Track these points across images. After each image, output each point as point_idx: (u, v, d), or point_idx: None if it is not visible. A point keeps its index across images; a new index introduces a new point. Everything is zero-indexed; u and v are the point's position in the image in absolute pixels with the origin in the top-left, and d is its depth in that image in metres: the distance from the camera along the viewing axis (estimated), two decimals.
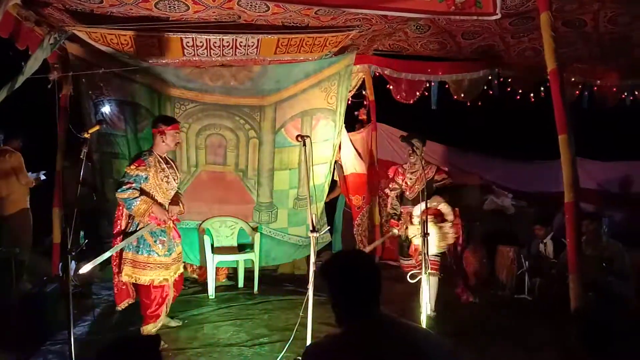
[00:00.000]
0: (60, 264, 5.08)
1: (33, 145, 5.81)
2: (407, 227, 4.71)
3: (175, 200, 4.24)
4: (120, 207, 4.10)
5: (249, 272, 5.80)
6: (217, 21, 4.61)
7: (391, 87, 6.38)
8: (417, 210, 4.48)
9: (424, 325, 3.76)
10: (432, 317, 4.16)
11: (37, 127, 5.67)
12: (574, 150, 3.32)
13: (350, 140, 6.42)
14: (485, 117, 7.60)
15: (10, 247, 4.94)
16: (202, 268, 5.77)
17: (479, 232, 6.23)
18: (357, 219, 6.43)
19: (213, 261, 5.40)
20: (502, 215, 6.42)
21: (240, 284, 5.79)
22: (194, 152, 5.49)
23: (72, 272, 3.08)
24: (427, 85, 6.38)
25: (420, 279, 4.13)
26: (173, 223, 4.24)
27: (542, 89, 6.37)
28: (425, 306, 3.89)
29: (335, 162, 6.21)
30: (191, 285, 5.76)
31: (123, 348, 1.67)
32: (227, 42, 4.91)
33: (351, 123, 6.81)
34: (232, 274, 6.10)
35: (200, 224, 5.61)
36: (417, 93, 6.36)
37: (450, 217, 4.57)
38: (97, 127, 3.60)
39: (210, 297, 5.32)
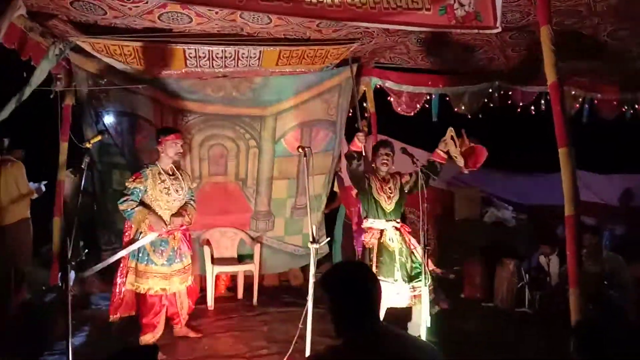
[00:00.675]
0: (60, 274, 5.06)
1: (35, 155, 5.83)
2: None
3: (178, 211, 4.27)
4: (127, 219, 4.23)
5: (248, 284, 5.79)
6: (219, 33, 4.65)
7: (392, 99, 6.41)
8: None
9: (423, 337, 3.75)
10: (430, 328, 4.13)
11: (39, 137, 5.69)
12: (574, 163, 3.33)
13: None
14: (485, 130, 7.61)
15: (10, 256, 4.93)
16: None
17: (479, 245, 6.22)
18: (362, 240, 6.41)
19: (212, 272, 5.39)
20: (502, 228, 6.42)
21: (240, 294, 5.77)
22: (198, 164, 5.51)
23: (71, 282, 3.08)
24: (428, 97, 6.40)
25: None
26: (183, 234, 4.30)
27: (542, 101, 6.40)
28: (425, 319, 3.88)
29: (336, 173, 6.23)
30: None
31: (121, 358, 1.67)
32: (230, 53, 4.94)
33: (352, 135, 6.81)
34: (231, 285, 6.09)
35: (201, 235, 5.61)
36: (418, 105, 6.38)
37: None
38: (98, 137, 3.62)
39: (209, 308, 5.30)
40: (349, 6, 3.68)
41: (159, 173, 4.21)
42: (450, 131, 4.37)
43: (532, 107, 6.62)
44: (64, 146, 5.13)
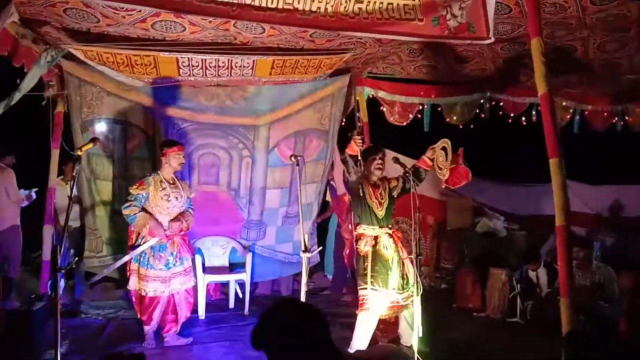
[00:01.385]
0: (50, 281, 5.02)
1: (26, 162, 5.80)
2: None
3: (177, 217, 4.45)
4: (131, 224, 4.42)
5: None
6: (213, 42, 4.66)
7: (384, 109, 6.44)
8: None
9: (415, 346, 3.74)
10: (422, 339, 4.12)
11: (31, 144, 5.66)
12: (565, 173, 3.35)
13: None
14: (477, 140, 7.66)
15: None
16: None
17: (470, 255, 6.23)
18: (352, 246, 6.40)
19: (204, 281, 5.36)
20: (493, 238, 6.44)
21: (231, 304, 5.74)
22: (187, 173, 5.50)
23: (61, 290, 3.05)
24: (420, 107, 6.43)
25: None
26: (182, 239, 4.52)
27: (533, 112, 6.45)
28: (417, 329, 3.87)
29: (328, 182, 6.23)
30: None
31: None
32: (223, 62, 4.95)
33: (344, 144, 6.83)
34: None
35: (192, 244, 5.57)
36: (410, 115, 6.41)
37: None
38: (90, 145, 3.61)
39: (200, 318, 5.27)
40: (342, 16, 3.71)
41: (161, 181, 4.44)
42: (445, 142, 4.36)
43: (523, 118, 6.67)
44: (55, 153, 5.10)
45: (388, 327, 4.41)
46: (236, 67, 5.04)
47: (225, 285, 5.96)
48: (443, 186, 4.39)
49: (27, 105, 4.50)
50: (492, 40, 4.03)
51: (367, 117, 6.47)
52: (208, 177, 5.66)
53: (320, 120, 5.87)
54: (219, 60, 4.90)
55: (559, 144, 3.36)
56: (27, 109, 4.65)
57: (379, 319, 4.19)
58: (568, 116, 6.82)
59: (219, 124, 5.56)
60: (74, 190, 4.03)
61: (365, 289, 4.09)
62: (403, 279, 4.18)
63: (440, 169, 4.31)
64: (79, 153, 3.39)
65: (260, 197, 5.85)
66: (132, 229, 4.43)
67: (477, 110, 6.46)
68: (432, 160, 4.36)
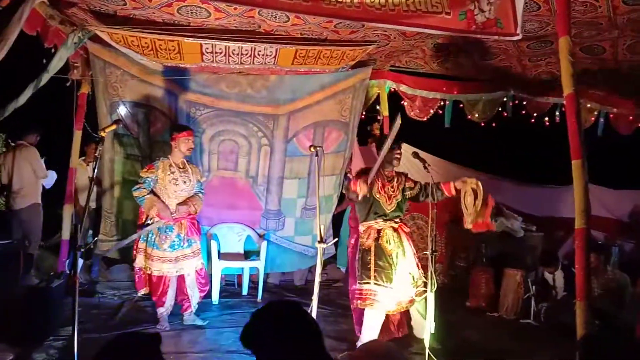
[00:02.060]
0: (68, 260, 5.11)
1: (48, 142, 5.89)
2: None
3: (184, 200, 4.53)
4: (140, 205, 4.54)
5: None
6: (236, 29, 4.67)
7: (405, 103, 6.40)
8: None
9: (426, 343, 3.74)
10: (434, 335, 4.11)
11: (54, 124, 5.75)
12: (587, 176, 3.30)
13: (361, 154, 6.43)
14: (498, 139, 7.58)
15: (19, 240, 4.99)
16: None
17: (486, 254, 6.18)
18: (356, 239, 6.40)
19: (219, 267, 5.41)
20: (510, 238, 6.37)
21: (245, 291, 5.79)
22: (207, 158, 5.54)
23: (78, 270, 3.10)
24: (442, 103, 6.38)
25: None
26: (190, 222, 4.60)
27: (557, 113, 6.36)
28: (429, 325, 3.86)
29: (346, 174, 6.23)
30: None
31: (123, 346, 1.67)
32: (246, 50, 4.95)
33: (364, 137, 6.82)
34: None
35: (208, 230, 5.63)
36: (431, 111, 6.36)
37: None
38: (113, 127, 3.64)
39: (213, 303, 5.32)
40: (368, 7, 3.68)
41: (170, 165, 4.52)
42: (476, 184, 4.12)
43: (546, 118, 6.58)
44: (77, 134, 5.17)
45: (402, 321, 4.40)
46: (259, 55, 5.04)
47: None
48: (466, 226, 4.23)
49: (51, 85, 4.56)
50: (520, 37, 3.98)
51: (388, 111, 6.44)
52: (227, 163, 5.70)
53: (341, 112, 5.86)
54: (242, 47, 4.90)
55: (582, 145, 3.31)
56: (52, 90, 4.71)
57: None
58: (592, 118, 6.70)
59: (240, 111, 5.58)
60: (95, 171, 4.09)
61: (369, 283, 4.03)
62: (408, 274, 4.10)
63: (467, 208, 4.16)
64: (102, 134, 3.42)
65: (277, 186, 5.88)
66: (141, 209, 4.58)
67: (500, 109, 6.38)
68: (458, 191, 4.20)
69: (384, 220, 4.17)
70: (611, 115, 6.74)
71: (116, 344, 1.67)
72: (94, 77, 5.03)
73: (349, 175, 6.30)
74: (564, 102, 3.45)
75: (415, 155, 4.38)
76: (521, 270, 5.55)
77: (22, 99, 4.27)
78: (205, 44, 4.80)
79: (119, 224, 5.38)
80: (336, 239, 5.50)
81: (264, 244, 5.68)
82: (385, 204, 4.18)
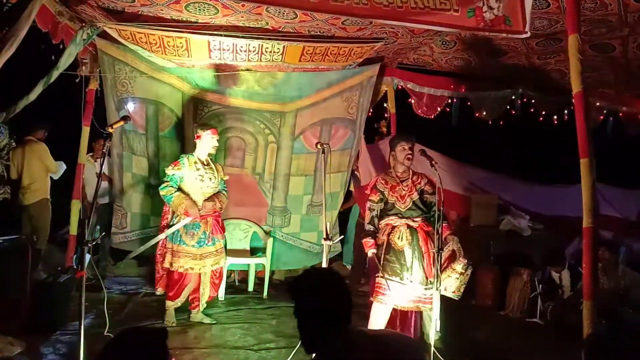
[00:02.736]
0: (75, 255, 5.15)
1: (56, 138, 5.93)
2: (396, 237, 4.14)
3: (210, 197, 4.54)
4: (166, 204, 4.55)
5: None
6: (244, 27, 4.67)
7: (413, 101, 6.38)
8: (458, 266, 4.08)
9: (432, 341, 3.73)
10: (439, 337, 4.10)
11: (61, 120, 5.78)
12: (595, 174, 3.28)
13: (368, 151, 6.42)
14: (506, 137, 7.55)
15: (28, 235, 5.02)
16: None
17: (493, 252, 6.16)
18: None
19: (225, 263, 5.42)
20: (517, 237, 6.34)
21: (251, 287, 5.80)
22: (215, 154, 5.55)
23: (85, 265, 3.13)
24: (449, 101, 6.36)
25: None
26: (215, 220, 4.60)
27: (566, 112, 6.32)
28: (435, 323, 3.84)
29: (353, 172, 6.22)
30: None
31: (130, 340, 1.68)
32: (254, 47, 4.96)
33: (371, 135, 6.81)
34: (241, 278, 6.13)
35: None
36: (439, 108, 6.35)
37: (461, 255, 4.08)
38: (121, 123, 3.64)
39: (219, 299, 5.34)
40: (376, 4, 3.67)
41: (195, 162, 4.51)
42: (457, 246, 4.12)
43: (555, 117, 6.54)
44: (85, 130, 5.19)
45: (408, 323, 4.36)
46: (266, 52, 5.05)
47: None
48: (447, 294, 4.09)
49: (59, 82, 4.58)
50: (528, 34, 3.96)
51: (395, 108, 6.43)
52: (234, 160, 5.71)
53: (348, 110, 5.85)
54: (249, 44, 4.91)
55: (590, 144, 3.29)
56: (60, 86, 4.73)
57: (402, 311, 4.16)
58: (601, 117, 6.66)
59: (247, 108, 5.60)
60: (103, 167, 4.11)
61: (379, 277, 4.04)
62: (420, 273, 4.05)
63: (450, 274, 4.08)
64: (110, 130, 3.43)
65: (284, 183, 5.89)
66: (167, 208, 4.56)
67: (508, 107, 6.35)
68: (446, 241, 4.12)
69: (400, 217, 4.15)
70: (620, 115, 6.69)
71: (123, 339, 1.68)
72: (103, 74, 5.05)
73: (355, 172, 6.30)
74: (573, 101, 3.43)
75: (423, 153, 4.34)
76: (528, 269, 5.52)
77: (33, 95, 4.30)
78: (213, 40, 4.82)
79: (129, 217, 5.43)
80: (342, 237, 5.49)
81: (270, 240, 5.69)
82: (398, 204, 4.16)
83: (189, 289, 4.59)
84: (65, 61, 4.39)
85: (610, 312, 4.42)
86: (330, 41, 5.01)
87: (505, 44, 5.15)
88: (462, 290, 4.08)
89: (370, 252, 4.06)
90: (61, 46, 4.45)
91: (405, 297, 4.02)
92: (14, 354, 3.60)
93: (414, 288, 4.03)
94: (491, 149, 7.84)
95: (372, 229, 4.16)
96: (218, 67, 5.31)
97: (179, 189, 4.43)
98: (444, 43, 5.33)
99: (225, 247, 5.54)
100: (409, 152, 4.14)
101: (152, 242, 4.53)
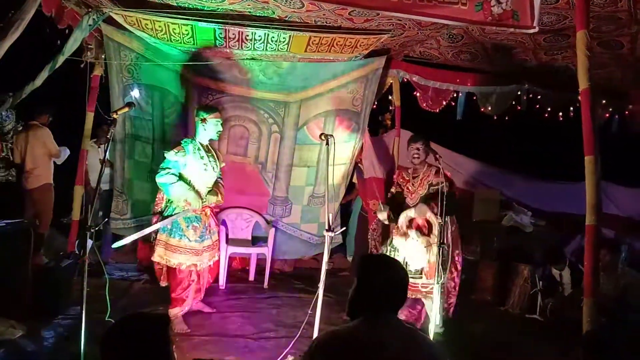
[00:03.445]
0: (78, 241, 5.16)
1: (60, 123, 5.93)
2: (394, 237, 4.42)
3: (214, 189, 4.32)
4: (160, 190, 4.23)
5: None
6: (250, 15, 4.65)
7: (418, 94, 6.35)
8: (402, 217, 4.31)
9: (431, 333, 3.75)
10: (439, 332, 4.13)
11: (66, 105, 5.78)
12: (600, 172, 3.27)
13: (372, 144, 6.41)
14: (510, 132, 7.52)
15: (31, 219, 5.04)
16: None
17: (494, 248, 6.16)
18: (373, 223, 6.40)
19: (226, 252, 5.44)
20: (519, 233, 6.34)
21: (251, 276, 5.83)
22: (217, 142, 5.53)
23: (88, 250, 3.13)
24: (455, 95, 6.33)
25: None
26: (212, 212, 4.36)
27: (571, 108, 6.29)
28: (434, 317, 3.86)
29: (356, 164, 6.21)
30: None
31: (132, 326, 1.68)
32: (259, 36, 4.93)
33: (375, 127, 6.79)
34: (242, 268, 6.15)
35: (217, 215, 5.65)
36: (444, 102, 6.32)
37: (435, 229, 4.11)
38: (125, 109, 3.62)
39: (220, 287, 5.36)
40: None
41: (198, 149, 4.22)
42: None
43: (560, 113, 6.51)
44: (89, 115, 5.19)
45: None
46: (272, 41, 5.03)
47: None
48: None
49: (64, 67, 4.57)
50: (536, 30, 3.92)
51: (400, 101, 6.40)
52: (237, 148, 5.71)
53: (352, 102, 5.83)
54: (255, 33, 4.89)
55: (596, 141, 3.28)
56: (65, 71, 4.73)
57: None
58: (607, 115, 6.62)
59: (251, 97, 5.58)
60: (107, 153, 4.12)
61: None
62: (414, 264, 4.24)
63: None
64: (115, 116, 3.42)
65: (286, 173, 5.89)
66: (161, 194, 4.27)
67: (513, 102, 6.32)
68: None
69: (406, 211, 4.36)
70: (626, 112, 6.66)
71: (124, 324, 1.69)
72: (108, 60, 5.03)
73: (359, 165, 6.29)
74: (579, 97, 3.41)
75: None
76: (529, 265, 5.54)
77: (38, 81, 4.31)
78: (219, 29, 4.79)
79: (130, 204, 5.41)
80: (344, 228, 5.50)
81: (272, 230, 5.71)
82: (408, 199, 4.44)
83: (193, 289, 4.29)
84: (70, 46, 4.38)
85: (609, 311, 4.43)
86: (337, 32, 4.98)
87: (513, 38, 5.11)
88: None
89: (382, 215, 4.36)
90: (67, 31, 4.43)
91: None
92: (16, 337, 3.64)
93: (413, 278, 4.16)
94: (495, 144, 7.81)
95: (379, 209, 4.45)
96: (223, 55, 5.29)
97: (180, 177, 4.11)
98: (450, 36, 5.29)
99: (227, 236, 5.59)
100: (415, 151, 4.37)
101: (146, 231, 4.12)
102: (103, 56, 5.08)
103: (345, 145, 5.92)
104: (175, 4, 4.47)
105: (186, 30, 4.80)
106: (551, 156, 7.95)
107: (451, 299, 4.47)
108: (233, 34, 4.89)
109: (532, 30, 3.92)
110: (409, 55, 6.10)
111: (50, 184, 5.64)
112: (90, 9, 4.48)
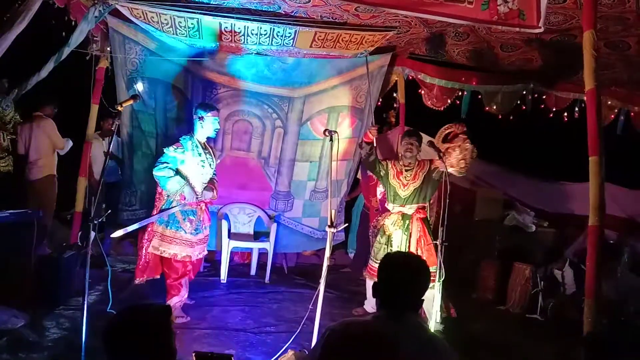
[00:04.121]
0: (80, 232, 5.17)
1: (64, 115, 5.94)
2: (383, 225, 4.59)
3: (209, 185, 4.39)
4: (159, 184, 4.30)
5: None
6: (256, 9, 4.64)
7: (423, 92, 6.34)
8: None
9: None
10: (439, 329, 4.13)
11: (70, 97, 5.78)
12: (604, 173, 3.26)
13: (376, 141, 6.40)
14: (515, 132, 7.50)
15: (34, 210, 5.05)
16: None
17: (496, 247, 6.16)
18: (375, 220, 6.40)
19: (228, 246, 5.45)
20: (521, 233, 6.34)
21: (253, 271, 5.84)
22: (221, 137, 5.55)
23: (90, 242, 3.14)
24: (459, 93, 6.32)
25: None
26: (206, 206, 4.42)
27: (576, 109, 6.27)
28: (435, 315, 3.87)
29: (360, 144, 6.20)
30: (204, 267, 5.82)
31: (133, 317, 1.69)
32: (265, 30, 4.93)
33: (379, 124, 6.77)
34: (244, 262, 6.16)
35: (220, 209, 5.66)
36: (449, 100, 6.30)
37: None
38: (130, 101, 3.63)
39: (222, 281, 5.37)
40: None
41: (196, 146, 4.29)
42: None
43: (565, 114, 6.49)
44: (94, 108, 5.19)
45: None
46: (277, 36, 5.02)
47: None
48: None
49: (70, 59, 4.58)
50: (542, 29, 3.90)
51: (404, 99, 6.39)
52: (240, 143, 5.71)
53: (357, 98, 5.83)
54: (261, 28, 4.89)
55: (600, 142, 3.27)
56: (70, 63, 4.73)
57: None
58: (612, 116, 6.60)
59: (255, 92, 5.57)
60: (111, 145, 4.11)
61: (371, 259, 4.60)
62: None
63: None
64: (119, 108, 3.42)
65: (288, 168, 5.89)
66: (160, 189, 4.31)
67: (519, 102, 6.30)
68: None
69: (399, 205, 4.52)
70: (632, 114, 6.63)
71: (126, 316, 1.69)
72: (113, 53, 5.03)
73: (362, 144, 6.27)
74: (585, 98, 3.40)
75: (431, 144, 4.41)
76: (530, 265, 5.53)
77: (44, 72, 4.31)
78: (225, 23, 4.79)
79: (137, 195, 5.44)
80: (347, 224, 5.50)
81: (274, 225, 5.72)
82: (399, 189, 4.51)
83: (187, 279, 4.35)
84: (76, 38, 4.39)
85: (609, 313, 4.42)
86: (343, 28, 4.97)
87: (519, 38, 5.09)
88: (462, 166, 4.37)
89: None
90: (73, 23, 4.43)
91: None
92: (18, 326, 3.65)
93: None
94: (499, 144, 7.79)
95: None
96: (228, 50, 5.29)
97: (177, 172, 4.19)
98: (456, 35, 5.27)
99: (229, 231, 5.60)
100: (408, 145, 4.49)
101: (144, 222, 4.21)
102: (109, 48, 5.09)
103: (349, 141, 5.92)
104: None
105: (192, 23, 4.80)
106: (555, 156, 7.94)
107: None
108: (239, 28, 4.89)
109: (537, 30, 3.90)
110: (415, 52, 6.08)
111: (53, 175, 5.65)
112: (96, 1, 4.48)
